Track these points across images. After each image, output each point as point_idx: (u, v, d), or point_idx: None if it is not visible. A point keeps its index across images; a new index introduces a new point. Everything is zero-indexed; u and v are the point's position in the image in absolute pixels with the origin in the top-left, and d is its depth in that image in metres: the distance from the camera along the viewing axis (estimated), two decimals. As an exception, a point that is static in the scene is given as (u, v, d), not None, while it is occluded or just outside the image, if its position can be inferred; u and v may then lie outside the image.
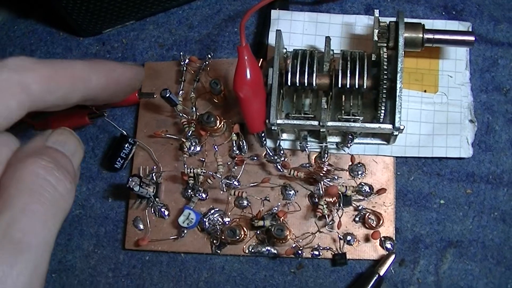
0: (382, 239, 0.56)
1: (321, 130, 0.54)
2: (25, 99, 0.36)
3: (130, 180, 0.55)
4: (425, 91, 0.59)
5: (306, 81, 0.54)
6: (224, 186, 0.56)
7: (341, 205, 0.55)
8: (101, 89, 0.43)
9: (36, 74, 0.36)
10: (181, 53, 0.61)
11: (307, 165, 0.57)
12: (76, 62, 0.41)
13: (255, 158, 0.58)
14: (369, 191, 0.57)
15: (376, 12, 0.55)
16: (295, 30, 0.61)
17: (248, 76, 0.52)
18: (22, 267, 0.31)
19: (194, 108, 0.59)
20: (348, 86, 0.53)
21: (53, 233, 0.34)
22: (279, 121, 0.54)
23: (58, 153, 0.36)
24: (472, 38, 0.55)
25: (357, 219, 0.57)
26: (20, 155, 0.35)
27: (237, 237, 0.55)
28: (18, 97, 0.35)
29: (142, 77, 0.51)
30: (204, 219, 0.57)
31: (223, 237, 0.56)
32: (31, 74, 0.36)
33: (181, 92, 0.60)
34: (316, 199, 0.57)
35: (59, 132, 0.38)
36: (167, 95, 0.55)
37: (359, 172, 0.57)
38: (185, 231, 0.58)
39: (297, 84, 0.54)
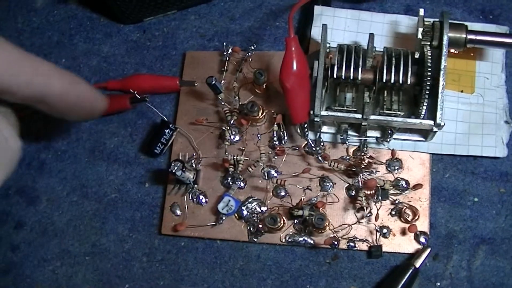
0: (417, 233, 0.57)
1: (362, 123, 0.55)
2: None
3: (173, 164, 0.55)
4: (461, 91, 0.60)
5: (351, 75, 0.55)
6: (265, 174, 0.56)
7: (379, 198, 0.56)
8: (58, 95, 0.41)
9: (2, 51, 0.37)
10: (224, 43, 0.62)
11: (347, 158, 0.58)
12: (44, 60, 0.40)
13: (296, 148, 0.59)
14: (405, 186, 0.58)
15: (421, 11, 0.56)
16: (337, 27, 0.62)
17: (295, 67, 0.54)
18: None
19: (236, 98, 0.60)
20: (391, 81, 0.55)
21: None
22: (322, 113, 0.55)
23: None
24: (513, 40, 0.57)
25: (393, 212, 0.58)
26: None
27: (277, 225, 0.56)
28: None
29: (103, 108, 0.48)
30: (242, 208, 0.58)
31: (261, 225, 0.57)
32: None
33: (223, 81, 0.61)
34: (354, 191, 0.58)
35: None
36: (213, 82, 0.56)
37: (396, 167, 0.59)
38: (223, 218, 0.58)
39: (342, 78, 0.55)
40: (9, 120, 0.40)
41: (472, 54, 0.61)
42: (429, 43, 0.55)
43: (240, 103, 0.60)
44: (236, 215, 0.59)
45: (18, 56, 0.38)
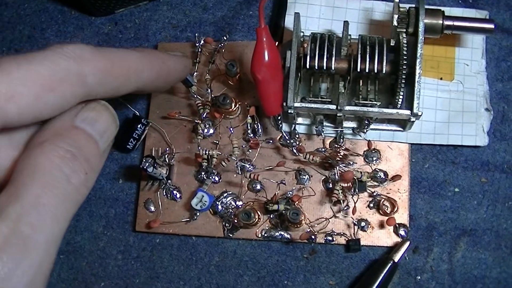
0: (396, 226, 0.55)
1: (338, 114, 0.54)
2: (80, 90, 0.34)
3: (144, 160, 0.54)
4: (441, 78, 0.59)
5: (324, 64, 0.53)
6: (239, 168, 0.55)
7: (356, 190, 0.55)
8: (151, 81, 0.42)
9: (94, 65, 0.35)
10: (196, 34, 0.61)
11: (323, 149, 0.57)
12: (131, 53, 0.39)
13: (271, 141, 0.58)
14: (384, 177, 0.56)
15: (396, -3, 0.54)
16: (311, 14, 0.60)
17: (266, 58, 0.52)
18: (28, 265, 0.29)
19: (209, 90, 0.58)
20: (366, 70, 0.53)
21: (63, 229, 0.32)
22: (296, 104, 0.53)
23: (82, 136, 0.34)
24: (491, 25, 0.55)
25: (371, 205, 0.56)
26: (41, 137, 0.33)
27: (252, 221, 0.55)
28: (75, 88, 0.34)
29: (190, 69, 0.51)
30: (217, 203, 0.57)
31: (236, 221, 0.56)
32: (89, 65, 0.34)
33: (195, 73, 0.60)
34: (331, 184, 0.56)
35: (92, 107, 0.36)
36: (184, 76, 0.55)
37: (374, 158, 0.57)
38: (198, 214, 0.57)
39: (316, 68, 0.54)
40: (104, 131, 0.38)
41: (451, 40, 0.59)
42: (405, 30, 0.54)
43: (212, 95, 0.58)
44: (211, 210, 0.57)
45: (108, 64, 0.36)
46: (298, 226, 0.56)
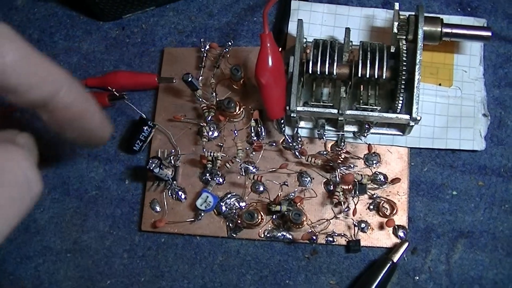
0: (396, 227, 0.57)
1: (339, 118, 0.55)
2: None
3: (150, 161, 0.56)
4: (439, 84, 0.60)
5: (326, 70, 0.55)
6: (242, 170, 0.57)
7: (357, 192, 0.56)
8: (64, 105, 0.38)
9: (16, 46, 0.34)
10: (201, 40, 0.62)
11: (324, 153, 0.58)
12: (59, 67, 0.38)
13: (274, 144, 0.59)
14: (383, 180, 0.58)
15: (396, 5, 0.56)
16: (314, 21, 0.62)
17: (270, 63, 0.54)
18: None
19: (214, 94, 0.60)
20: (367, 76, 0.55)
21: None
22: (299, 108, 0.55)
23: None
24: (489, 33, 0.57)
25: (371, 207, 0.58)
26: None
27: (255, 221, 0.56)
28: None
29: (106, 136, 0.45)
30: (221, 203, 0.58)
31: (239, 221, 0.57)
32: (12, 45, 0.34)
33: (200, 77, 0.61)
34: (332, 186, 0.58)
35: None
36: (189, 79, 0.56)
37: (374, 162, 0.59)
38: (202, 214, 0.59)
39: (318, 73, 0.55)
40: (33, 155, 0.38)
41: (450, 47, 0.60)
42: (404, 37, 0.55)
43: (217, 99, 0.60)
44: (215, 211, 0.59)
45: (33, 55, 0.35)
46: (300, 226, 0.57)
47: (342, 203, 0.56)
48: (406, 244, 0.56)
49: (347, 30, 0.57)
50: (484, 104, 0.59)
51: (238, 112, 0.59)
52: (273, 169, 0.58)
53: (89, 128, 0.42)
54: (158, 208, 0.60)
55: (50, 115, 0.39)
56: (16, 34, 0.34)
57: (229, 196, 0.59)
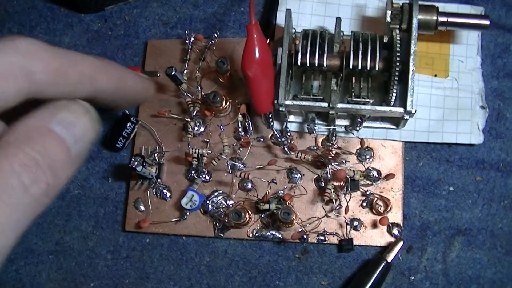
0: (390, 225, 0.55)
1: (330, 112, 0.53)
2: (26, 86, 0.32)
3: (133, 159, 0.54)
4: (435, 75, 0.58)
5: (316, 61, 0.53)
6: (229, 167, 0.54)
7: (349, 189, 0.54)
8: (108, 92, 0.38)
9: (44, 63, 0.32)
10: (186, 31, 0.60)
11: (314, 148, 0.56)
12: (86, 57, 0.36)
13: (261, 139, 0.57)
14: (377, 176, 0.56)
15: (389, -8, 0.54)
16: (303, 11, 0.60)
17: (257, 55, 0.51)
18: None
19: (199, 88, 0.58)
20: (359, 67, 0.52)
21: (11, 239, 0.29)
22: (287, 102, 0.53)
23: (54, 141, 0.33)
24: (487, 22, 0.54)
25: (364, 204, 0.56)
26: (8, 137, 0.30)
27: (242, 220, 0.54)
28: (19, 83, 0.31)
29: (152, 94, 0.46)
30: (207, 202, 0.56)
31: (226, 220, 0.55)
32: (39, 62, 0.32)
33: (185, 71, 0.59)
34: (323, 183, 0.56)
35: (71, 108, 0.34)
36: (173, 73, 0.54)
37: (367, 157, 0.56)
38: (187, 214, 0.57)
39: (307, 65, 0.53)
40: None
41: (446, 37, 0.58)
42: (398, 27, 0.53)
43: (203, 93, 0.58)
44: (201, 209, 0.57)
45: (59, 64, 0.33)
46: (290, 225, 0.55)
47: (334, 200, 0.54)
48: (401, 243, 0.54)
49: (338, 19, 0.55)
50: (482, 96, 0.57)
51: (225, 107, 0.57)
52: (262, 166, 0.56)
53: (133, 95, 0.42)
54: (142, 208, 0.57)
55: (108, 102, 0.38)
56: (45, 50, 0.32)
57: (215, 194, 0.57)
